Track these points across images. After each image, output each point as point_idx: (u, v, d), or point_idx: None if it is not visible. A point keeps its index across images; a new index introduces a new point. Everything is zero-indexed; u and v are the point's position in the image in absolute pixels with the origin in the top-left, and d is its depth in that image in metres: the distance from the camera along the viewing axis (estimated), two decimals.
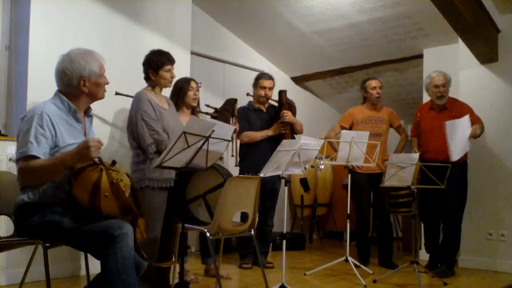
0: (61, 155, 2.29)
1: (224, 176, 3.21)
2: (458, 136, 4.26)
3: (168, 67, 3.45)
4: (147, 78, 3.50)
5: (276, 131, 4.48)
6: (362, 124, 4.84)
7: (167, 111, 3.46)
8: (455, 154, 4.28)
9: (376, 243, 5.08)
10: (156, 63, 3.42)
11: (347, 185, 4.54)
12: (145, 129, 3.28)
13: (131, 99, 3.53)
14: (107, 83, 2.58)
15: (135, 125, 3.31)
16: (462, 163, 4.54)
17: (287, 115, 4.46)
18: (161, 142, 3.27)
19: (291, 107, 4.60)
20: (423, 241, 5.27)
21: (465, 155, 4.57)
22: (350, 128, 4.86)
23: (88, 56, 2.49)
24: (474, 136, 4.32)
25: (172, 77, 3.50)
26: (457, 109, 4.53)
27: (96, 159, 2.23)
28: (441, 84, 4.53)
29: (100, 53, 2.57)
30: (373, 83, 4.86)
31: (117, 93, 3.99)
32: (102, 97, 2.58)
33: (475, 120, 4.43)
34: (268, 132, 4.52)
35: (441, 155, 4.39)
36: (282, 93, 4.59)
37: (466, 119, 4.28)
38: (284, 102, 4.53)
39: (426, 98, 5.45)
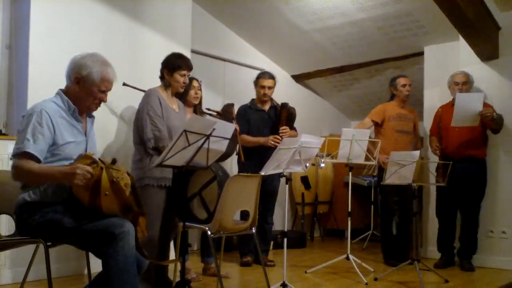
0: (53, 168, 2.30)
1: (214, 170, 3.21)
2: (466, 107, 4.34)
3: (184, 72, 3.44)
4: (161, 78, 3.50)
5: (267, 142, 4.43)
6: (394, 120, 4.84)
7: (176, 113, 3.47)
8: (455, 121, 4.42)
9: (378, 241, 5.09)
10: (173, 64, 3.43)
11: (348, 183, 4.53)
12: (148, 124, 3.29)
13: (137, 96, 3.53)
14: (103, 100, 2.52)
15: (140, 118, 3.34)
16: (482, 160, 4.67)
17: (285, 132, 4.45)
18: (161, 140, 3.28)
19: (291, 117, 4.59)
20: (424, 239, 5.30)
21: (485, 151, 4.69)
22: (381, 124, 4.87)
23: (99, 64, 2.47)
24: (485, 116, 4.35)
25: (184, 83, 3.49)
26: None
27: (81, 183, 2.19)
28: (461, 82, 4.67)
29: (102, 53, 2.55)
30: (403, 80, 4.88)
31: (124, 84, 4.00)
32: (90, 108, 2.54)
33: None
34: (260, 140, 4.49)
35: (464, 151, 4.58)
36: (283, 108, 4.57)
37: (478, 95, 4.40)
38: (283, 119, 4.51)
39: (427, 95, 5.47)
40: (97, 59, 2.48)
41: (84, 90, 2.47)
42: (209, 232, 3.02)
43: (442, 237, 4.81)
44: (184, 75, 3.45)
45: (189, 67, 3.48)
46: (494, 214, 4.78)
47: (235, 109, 4.50)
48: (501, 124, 4.58)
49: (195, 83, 3.93)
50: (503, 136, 4.73)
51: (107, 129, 4.10)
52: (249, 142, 4.51)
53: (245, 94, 5.14)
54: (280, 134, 4.43)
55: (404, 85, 4.85)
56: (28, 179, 2.35)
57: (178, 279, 2.99)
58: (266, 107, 4.71)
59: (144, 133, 3.31)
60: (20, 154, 2.29)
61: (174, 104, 3.52)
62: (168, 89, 3.48)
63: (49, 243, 2.35)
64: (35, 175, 2.28)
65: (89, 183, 2.22)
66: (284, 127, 4.48)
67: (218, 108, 4.46)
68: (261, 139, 4.49)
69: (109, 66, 2.51)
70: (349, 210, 4.44)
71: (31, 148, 2.28)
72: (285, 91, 6.14)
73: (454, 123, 4.46)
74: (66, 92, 2.50)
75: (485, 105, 4.47)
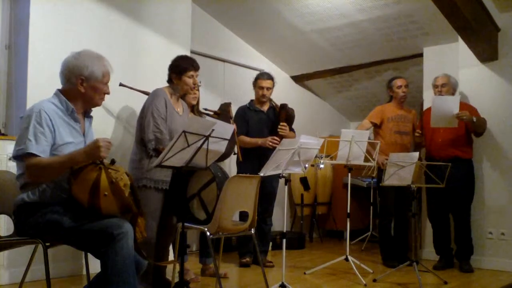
0: (70, 153, 2.31)
1: (213, 171, 3.21)
2: (442, 109, 4.44)
3: (191, 72, 3.43)
4: (169, 81, 3.50)
5: (265, 144, 4.42)
6: (392, 121, 4.86)
7: (180, 116, 3.46)
8: (433, 123, 4.55)
9: (377, 242, 5.09)
10: (180, 68, 3.42)
11: (347, 184, 4.53)
12: (151, 125, 3.29)
13: (134, 96, 3.51)
14: (107, 93, 2.56)
15: (144, 117, 3.33)
16: (468, 161, 4.70)
17: (283, 129, 4.45)
18: (162, 142, 3.28)
19: (290, 118, 4.59)
20: (423, 240, 5.29)
21: (470, 152, 4.71)
22: (380, 125, 4.88)
23: (95, 60, 2.49)
24: (461, 118, 4.42)
25: (194, 83, 3.49)
26: (462, 108, 4.60)
27: (106, 154, 2.26)
28: (440, 85, 4.72)
29: (100, 52, 2.57)
30: (399, 82, 4.89)
31: (121, 84, 3.99)
32: (98, 104, 2.58)
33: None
34: (258, 141, 4.49)
35: (449, 152, 4.61)
36: (282, 109, 4.56)
37: (454, 97, 4.49)
38: (282, 120, 4.51)
39: (426, 97, 5.47)
40: (92, 56, 2.50)
41: (90, 89, 2.48)
42: (208, 233, 3.01)
43: (438, 239, 4.81)
44: (192, 76, 3.44)
45: (196, 68, 3.47)
46: (494, 216, 4.78)
47: (234, 109, 4.50)
48: (483, 128, 4.63)
49: None
50: (501, 138, 4.74)
51: (104, 129, 4.09)
52: (247, 143, 4.50)
53: (244, 94, 5.14)
54: (279, 131, 4.43)
55: (399, 87, 4.86)
56: (46, 174, 2.31)
57: (177, 279, 2.98)
58: (265, 108, 4.70)
59: (145, 133, 3.30)
60: (23, 156, 2.29)
61: (179, 107, 3.51)
62: (176, 92, 3.47)
63: (47, 244, 2.35)
64: (54, 165, 2.28)
65: (87, 183, 2.22)
66: (283, 123, 4.48)
67: (216, 108, 4.45)
68: (258, 140, 4.49)
69: (104, 59, 2.55)
70: (348, 211, 4.43)
71: (33, 149, 2.28)
72: (285, 92, 6.14)
73: (432, 124, 4.55)
74: (63, 92, 2.49)
75: (467, 106, 4.59)
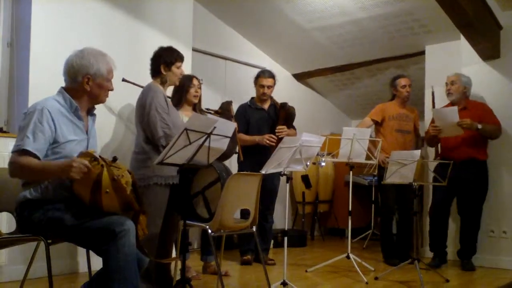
0: (49, 163, 2.31)
1: (218, 171, 3.20)
2: (444, 120, 4.50)
3: (180, 63, 3.46)
4: (156, 73, 3.47)
5: (262, 141, 4.41)
6: (394, 120, 4.84)
7: (174, 108, 3.49)
8: (442, 133, 4.60)
9: (379, 240, 5.09)
10: (169, 59, 3.42)
11: (348, 182, 4.53)
12: (158, 121, 3.25)
13: (136, 94, 3.50)
14: (111, 89, 2.57)
15: (147, 115, 3.27)
16: (482, 162, 4.65)
17: (281, 131, 4.43)
18: (170, 137, 3.24)
19: (290, 116, 4.57)
20: (425, 239, 5.29)
21: (485, 154, 4.67)
22: (381, 123, 4.87)
23: (99, 57, 2.50)
24: (462, 126, 4.41)
25: (181, 74, 3.51)
26: (476, 109, 4.61)
27: (77, 177, 2.20)
28: (449, 82, 4.70)
29: (102, 50, 2.57)
30: (403, 81, 4.86)
31: (124, 80, 3.98)
32: (103, 101, 2.59)
33: (489, 122, 4.56)
34: (255, 139, 4.47)
35: (463, 153, 4.57)
36: (282, 108, 4.55)
37: (452, 108, 4.50)
38: (281, 119, 4.50)
39: (428, 95, 5.46)
40: (95, 54, 2.50)
41: (96, 87, 2.49)
42: (209, 231, 3.02)
43: (435, 238, 4.76)
44: (179, 67, 3.47)
45: (182, 59, 3.50)
46: (495, 214, 4.77)
47: (235, 107, 4.50)
48: (493, 134, 4.59)
49: (195, 81, 3.91)
50: (503, 136, 4.73)
51: (105, 127, 4.08)
52: (246, 141, 4.49)
53: (246, 92, 5.13)
54: (277, 134, 4.42)
55: (404, 86, 4.84)
56: (24, 174, 2.35)
57: (178, 277, 2.99)
58: (266, 105, 4.70)
59: (154, 131, 3.25)
60: (19, 152, 2.29)
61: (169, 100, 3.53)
62: (165, 84, 3.48)
63: (49, 241, 2.35)
64: (31, 170, 2.28)
65: (89, 180, 2.22)
66: (280, 127, 4.47)
67: (218, 107, 4.45)
68: (256, 138, 4.47)
69: (107, 56, 2.55)
70: (350, 209, 4.44)
71: (30, 146, 2.28)
72: (286, 89, 6.15)
73: (441, 134, 4.59)
74: (68, 90, 2.49)
75: (478, 105, 4.61)
